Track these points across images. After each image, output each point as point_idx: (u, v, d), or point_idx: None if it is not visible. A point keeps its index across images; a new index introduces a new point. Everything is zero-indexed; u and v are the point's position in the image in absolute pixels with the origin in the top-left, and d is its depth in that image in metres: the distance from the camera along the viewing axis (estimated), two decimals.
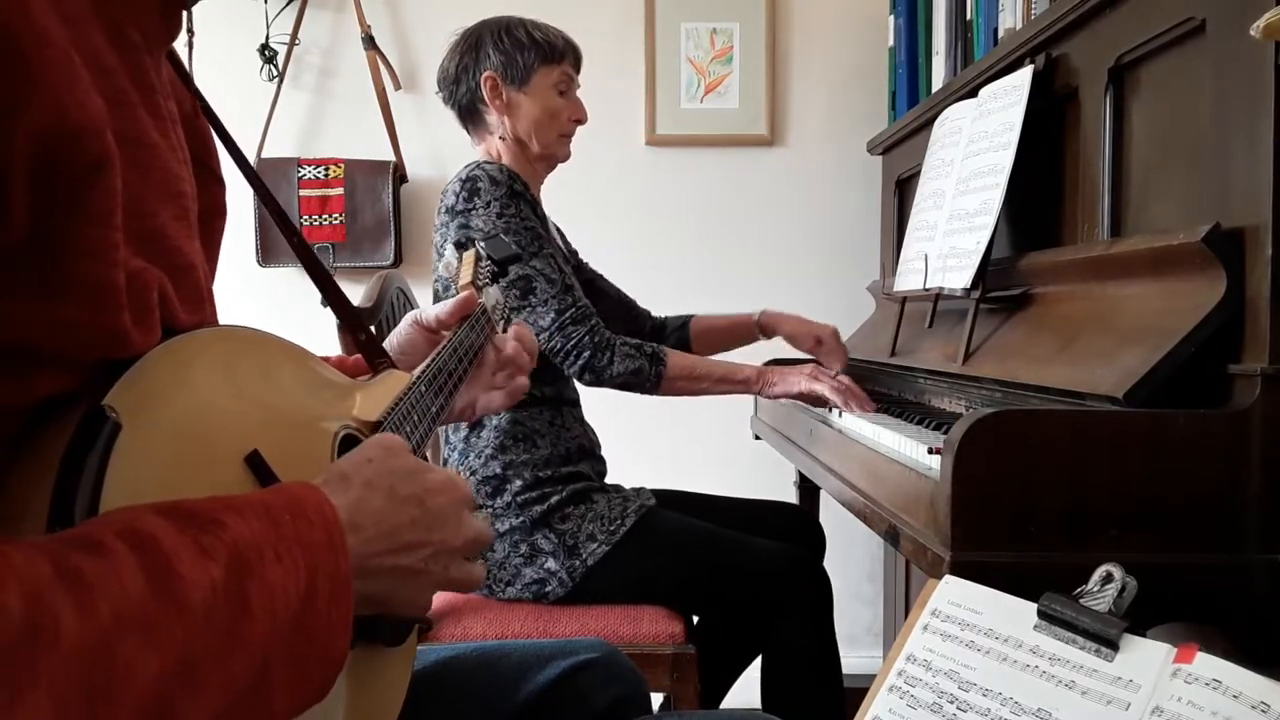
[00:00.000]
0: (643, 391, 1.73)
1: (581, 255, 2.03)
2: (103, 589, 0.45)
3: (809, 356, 2.00)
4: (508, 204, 1.66)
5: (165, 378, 0.58)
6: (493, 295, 1.20)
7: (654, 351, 1.72)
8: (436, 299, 1.77)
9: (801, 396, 1.77)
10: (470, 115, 1.83)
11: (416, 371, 0.92)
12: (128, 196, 0.54)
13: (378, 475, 0.65)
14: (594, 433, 1.83)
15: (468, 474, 1.69)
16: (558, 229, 1.93)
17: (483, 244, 1.26)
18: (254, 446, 0.62)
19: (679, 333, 2.07)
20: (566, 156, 1.86)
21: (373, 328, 1.40)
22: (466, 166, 1.72)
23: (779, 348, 2.13)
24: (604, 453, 1.83)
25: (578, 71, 1.83)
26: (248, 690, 0.52)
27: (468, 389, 1.09)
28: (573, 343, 1.66)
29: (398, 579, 0.65)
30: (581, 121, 1.84)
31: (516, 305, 1.66)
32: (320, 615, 0.56)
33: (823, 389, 1.71)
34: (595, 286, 2.02)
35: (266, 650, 0.52)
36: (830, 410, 1.71)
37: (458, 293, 1.13)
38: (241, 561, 0.52)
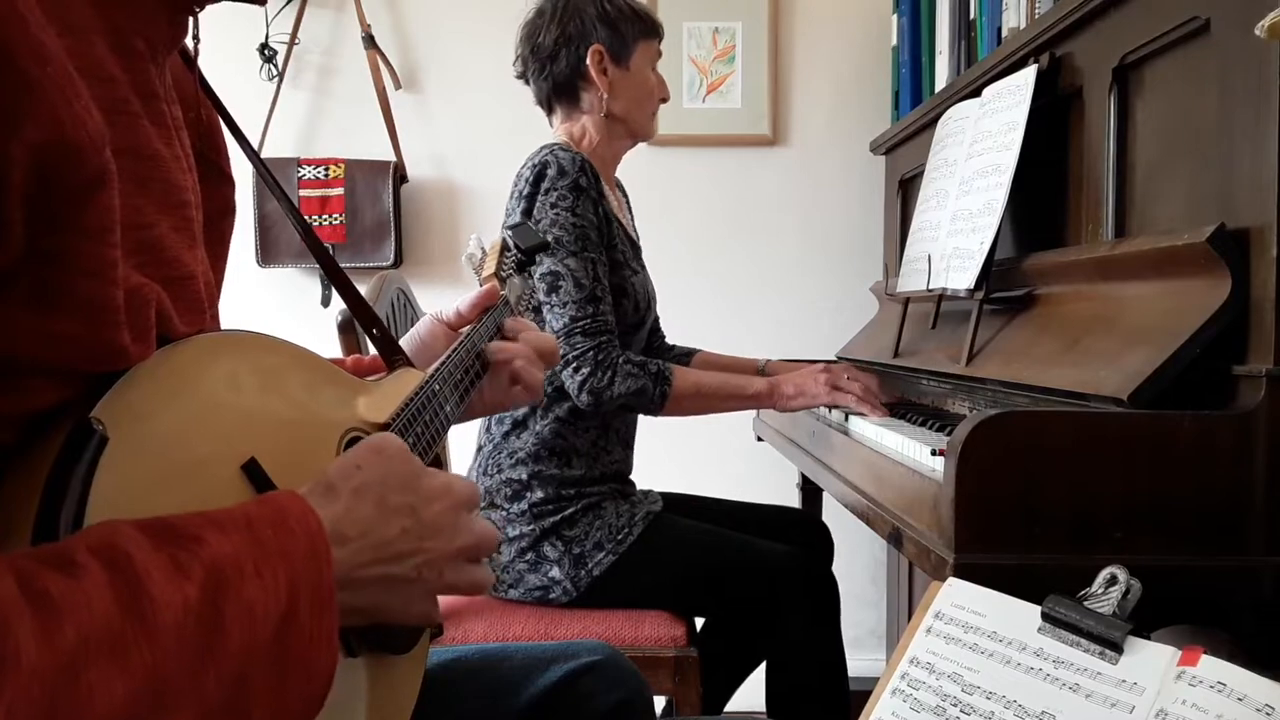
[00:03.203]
0: (647, 412, 1.67)
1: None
2: (69, 611, 0.45)
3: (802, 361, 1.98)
4: (565, 196, 1.59)
5: (156, 387, 0.57)
6: (516, 286, 1.15)
7: (659, 370, 1.64)
8: None
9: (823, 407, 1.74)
10: (565, 92, 1.72)
11: (430, 369, 0.89)
12: (127, 208, 0.54)
13: (367, 483, 0.63)
14: (633, 455, 1.78)
15: (494, 470, 1.65)
16: (623, 226, 1.76)
17: (509, 232, 1.20)
18: (251, 454, 0.61)
19: (680, 363, 1.98)
20: (654, 134, 1.81)
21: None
22: (541, 149, 1.65)
23: (783, 350, 2.13)
24: None
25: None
26: (223, 707, 0.51)
27: (488, 385, 1.03)
28: (575, 353, 1.59)
29: (389, 589, 0.63)
30: (666, 99, 1.79)
31: (541, 300, 1.61)
32: (301, 628, 0.55)
33: (848, 400, 1.66)
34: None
35: (242, 666, 0.52)
36: (845, 416, 1.70)
37: (482, 285, 1.08)
38: (218, 579, 0.51)
